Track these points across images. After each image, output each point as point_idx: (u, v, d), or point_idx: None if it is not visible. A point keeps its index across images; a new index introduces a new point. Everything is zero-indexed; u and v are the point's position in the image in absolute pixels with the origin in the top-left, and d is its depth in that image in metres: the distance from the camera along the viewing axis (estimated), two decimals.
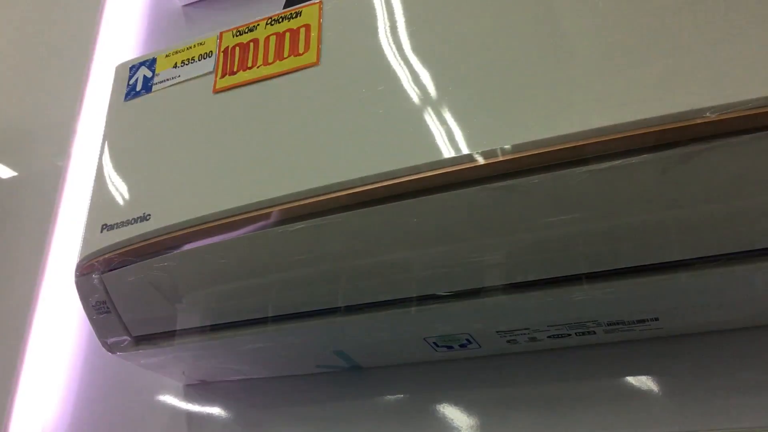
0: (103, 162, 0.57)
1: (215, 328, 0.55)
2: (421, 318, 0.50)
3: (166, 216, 0.52)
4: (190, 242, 0.51)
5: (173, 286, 0.53)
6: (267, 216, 0.49)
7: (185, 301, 0.54)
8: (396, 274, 0.48)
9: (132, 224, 0.53)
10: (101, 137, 0.59)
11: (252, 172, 0.50)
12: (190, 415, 0.64)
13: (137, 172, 0.56)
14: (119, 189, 0.56)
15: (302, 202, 0.48)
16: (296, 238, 0.49)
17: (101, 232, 0.54)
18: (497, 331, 0.51)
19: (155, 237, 0.52)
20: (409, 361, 0.58)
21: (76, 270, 0.55)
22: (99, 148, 0.59)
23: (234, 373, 0.63)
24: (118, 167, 0.57)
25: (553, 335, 0.51)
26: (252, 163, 0.51)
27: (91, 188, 0.57)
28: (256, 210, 0.49)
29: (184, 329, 0.56)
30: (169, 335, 0.56)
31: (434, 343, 0.54)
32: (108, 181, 0.56)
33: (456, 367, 0.56)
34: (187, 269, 0.52)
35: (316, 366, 0.60)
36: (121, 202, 0.55)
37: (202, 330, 0.55)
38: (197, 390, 0.65)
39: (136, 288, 0.54)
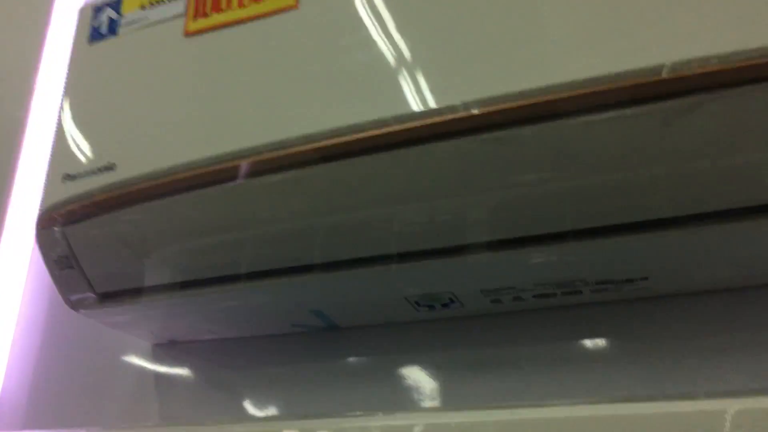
0: (65, 109, 0.54)
1: (185, 285, 0.52)
2: (401, 276, 0.48)
3: (132, 166, 0.49)
4: (158, 194, 0.48)
5: (140, 241, 0.50)
6: (239, 168, 0.46)
7: (153, 257, 0.51)
8: (374, 230, 0.46)
9: (96, 174, 0.50)
10: (63, 83, 0.55)
11: (224, 121, 0.47)
12: (158, 376, 0.62)
13: (102, 120, 0.52)
14: (82, 137, 0.52)
15: (276, 153, 0.45)
16: (270, 192, 0.46)
17: (63, 182, 0.51)
18: (481, 290, 0.49)
19: (121, 188, 0.49)
20: (389, 320, 0.56)
21: (37, 223, 0.51)
22: (61, 95, 0.55)
23: (205, 333, 0.60)
24: (82, 114, 0.53)
25: (539, 295, 0.49)
26: (224, 112, 0.48)
27: (53, 136, 0.54)
28: (228, 161, 0.46)
29: (152, 286, 0.53)
30: (136, 292, 0.53)
31: (416, 302, 0.52)
32: (70, 128, 0.53)
33: (438, 328, 0.54)
34: (155, 223, 0.49)
35: (291, 325, 0.58)
36: (84, 151, 0.51)
37: (171, 287, 0.53)
38: (166, 350, 0.63)
39: (100, 242, 0.51)
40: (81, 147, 0.52)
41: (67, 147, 0.52)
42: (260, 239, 0.48)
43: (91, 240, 0.51)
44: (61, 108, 0.55)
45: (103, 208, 0.49)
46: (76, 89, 0.55)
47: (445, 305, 0.52)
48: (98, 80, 0.54)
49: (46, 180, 0.52)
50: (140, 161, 0.48)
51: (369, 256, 0.47)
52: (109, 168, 0.49)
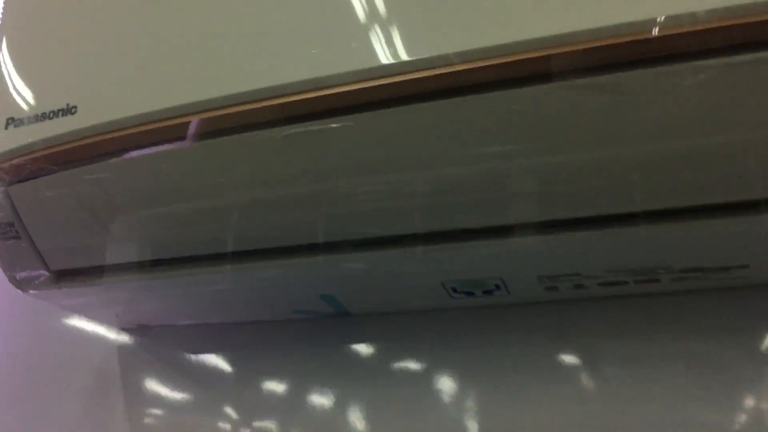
0: (4, 32, 0.42)
1: (160, 263, 0.42)
2: (442, 259, 0.39)
3: (101, 109, 0.38)
4: (132, 146, 0.37)
5: (106, 206, 0.39)
6: (236, 117, 0.35)
7: (121, 227, 0.40)
8: (410, 200, 0.36)
9: (51, 119, 0.38)
10: None
11: (217, 59, 0.36)
12: (126, 367, 0.51)
13: (56, 47, 0.41)
14: (30, 70, 0.41)
15: (281, 100, 0.34)
16: (273, 148, 0.35)
17: (5, 128, 0.39)
18: (539, 276, 0.40)
19: (86, 137, 0.37)
20: (413, 308, 0.46)
21: None
22: None
23: (183, 318, 0.50)
24: (27, 39, 0.42)
25: (606, 282, 0.40)
26: (219, 47, 0.37)
27: None
28: (222, 108, 0.35)
29: (119, 264, 0.42)
30: (100, 270, 0.42)
31: (452, 288, 0.42)
32: (12, 58, 0.41)
33: (472, 316, 0.45)
34: (125, 182, 0.38)
35: (293, 311, 0.48)
36: (33, 88, 0.40)
37: (143, 265, 0.42)
38: (135, 335, 0.52)
39: (56, 206, 0.40)
40: (28, 83, 0.40)
41: (8, 83, 0.41)
42: (258, 209, 0.38)
43: (44, 203, 0.40)
44: None
45: (61, 163, 0.38)
46: (16, 5, 0.43)
47: (487, 291, 0.42)
48: None
49: None
50: (111, 103, 0.37)
51: (401, 234, 0.37)
52: (69, 111, 0.38)
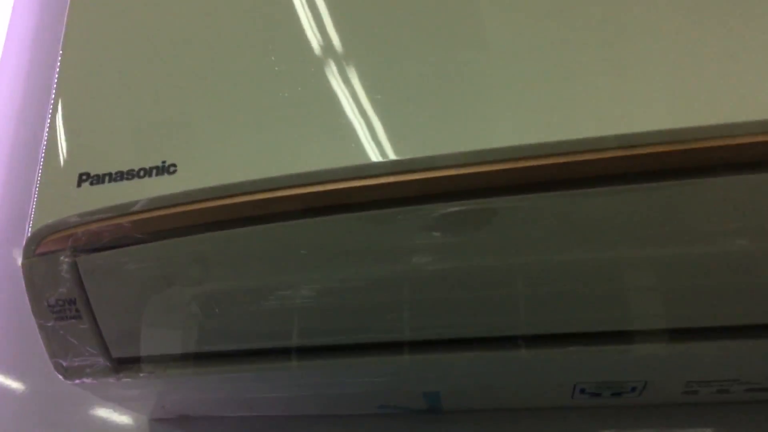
0: (72, 65, 0.36)
1: (246, 354, 0.35)
2: (589, 361, 0.34)
3: (207, 170, 0.31)
4: (248, 217, 0.31)
5: (202, 285, 0.33)
6: (393, 187, 0.30)
7: (212, 310, 0.33)
8: (587, 295, 0.31)
9: (142, 178, 0.32)
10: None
11: (347, 129, 0.31)
12: None
13: (154, 95, 0.34)
14: (109, 114, 0.34)
15: (422, 175, 0.29)
16: (417, 225, 0.30)
17: (78, 185, 0.33)
18: (688, 381, 0.36)
19: (187, 203, 0.31)
20: (516, 406, 0.41)
21: (30, 244, 0.33)
22: (63, 39, 0.37)
23: (236, 409, 0.43)
24: (115, 83, 0.35)
25: (754, 388, 0.36)
26: (350, 116, 0.31)
27: (52, 108, 0.35)
28: (376, 176, 0.30)
29: (201, 353, 0.35)
30: (168, 360, 0.35)
31: (582, 389, 0.37)
32: (92, 103, 0.35)
33: (591, 415, 0.40)
34: (232, 259, 0.32)
35: (377, 406, 0.41)
36: (119, 139, 0.33)
37: (223, 356, 0.35)
38: (172, 427, 0.44)
39: (134, 283, 0.33)
40: (111, 133, 0.34)
41: (83, 131, 0.34)
42: (380, 294, 0.32)
43: (120, 278, 0.33)
44: (65, 60, 0.36)
45: (154, 232, 0.31)
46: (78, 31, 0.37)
47: (616, 393, 0.38)
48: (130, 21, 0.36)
49: (42, 178, 0.34)
50: (221, 165, 0.31)
51: (560, 332, 0.32)
52: (166, 170, 0.32)
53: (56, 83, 0.36)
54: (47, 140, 0.34)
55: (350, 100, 0.32)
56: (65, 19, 0.38)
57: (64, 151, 0.34)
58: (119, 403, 0.41)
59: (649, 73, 0.29)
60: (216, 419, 0.44)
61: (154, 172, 0.32)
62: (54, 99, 0.36)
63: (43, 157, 0.34)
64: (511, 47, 0.31)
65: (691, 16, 0.30)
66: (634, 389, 0.37)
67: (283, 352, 0.35)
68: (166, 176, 0.32)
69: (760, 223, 0.28)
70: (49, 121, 0.35)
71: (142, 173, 0.32)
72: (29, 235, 0.33)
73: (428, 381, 0.37)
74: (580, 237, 0.30)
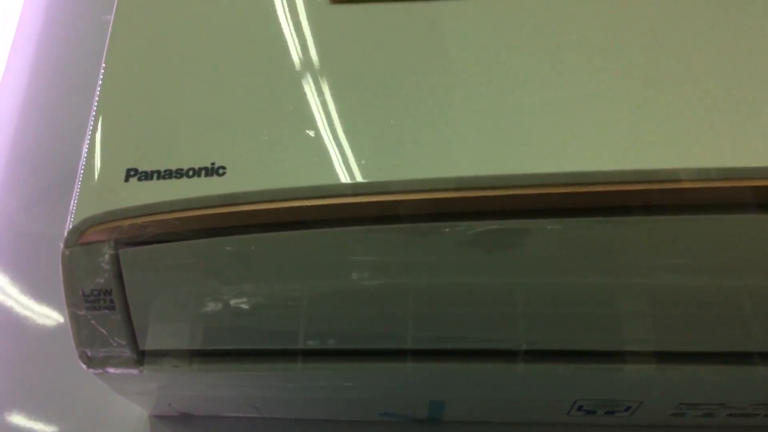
0: (119, 59, 0.37)
1: (270, 354, 0.37)
2: (587, 378, 0.36)
3: (255, 174, 0.33)
4: (292, 223, 0.33)
5: (242, 283, 0.34)
6: (428, 204, 0.32)
7: (249, 308, 0.35)
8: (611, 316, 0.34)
9: (190, 177, 0.33)
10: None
11: (410, 139, 0.33)
12: None
13: (200, 91, 0.36)
14: (159, 112, 0.36)
15: (483, 193, 0.32)
16: (461, 241, 0.32)
17: (125, 180, 0.34)
18: (680, 403, 0.38)
19: (235, 204, 0.33)
20: (514, 419, 0.43)
21: (73, 234, 0.33)
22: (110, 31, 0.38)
23: (244, 410, 0.44)
24: (167, 81, 0.37)
25: (738, 414, 0.39)
26: (416, 127, 0.34)
27: (97, 102, 0.37)
28: (426, 191, 0.32)
29: (228, 351, 0.36)
30: (197, 356, 0.37)
31: (579, 406, 0.39)
32: (135, 94, 0.36)
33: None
34: (276, 260, 0.34)
35: (379, 414, 0.43)
36: (164, 136, 0.35)
37: (252, 355, 0.37)
38: (173, 424, 0.45)
39: (174, 278, 0.34)
40: (162, 132, 0.35)
41: (133, 128, 0.35)
42: (416, 303, 0.34)
43: (160, 273, 0.34)
44: (111, 52, 0.38)
45: (200, 229, 0.33)
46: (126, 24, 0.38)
47: (610, 412, 0.40)
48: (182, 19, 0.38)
49: (86, 172, 0.35)
50: (272, 169, 0.33)
51: (577, 349, 0.35)
52: (215, 171, 0.33)
53: (102, 76, 0.37)
54: (91, 135, 0.35)
55: (413, 112, 0.34)
56: (113, 9, 0.39)
57: (112, 144, 0.35)
58: (129, 396, 0.42)
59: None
60: (216, 419, 0.45)
61: (203, 172, 0.33)
62: (100, 93, 0.37)
63: (87, 152, 0.35)
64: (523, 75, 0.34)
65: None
66: (628, 408, 0.39)
67: (309, 354, 0.36)
68: (215, 177, 0.33)
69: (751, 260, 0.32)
70: (93, 115, 0.36)
71: (191, 173, 0.33)
72: (72, 225, 0.34)
73: (433, 389, 0.39)
74: (584, 262, 0.33)
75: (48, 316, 0.50)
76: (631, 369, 0.34)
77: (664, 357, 0.34)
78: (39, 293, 0.51)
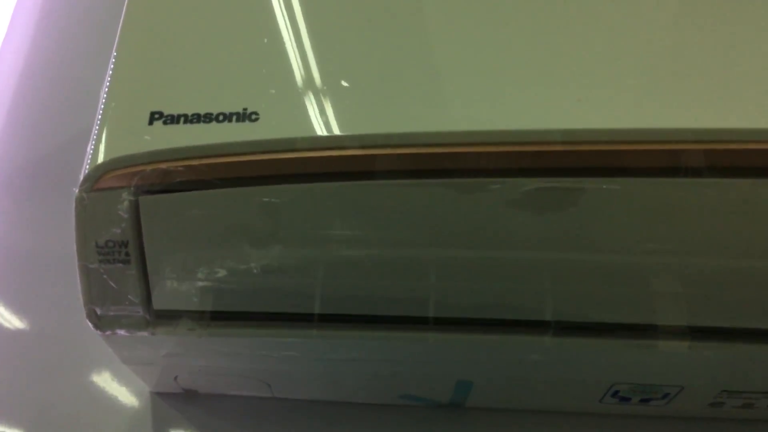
0: (165, 14, 0.35)
1: (289, 318, 0.34)
2: (622, 357, 0.34)
3: (290, 121, 0.31)
4: (325, 174, 0.31)
5: (269, 238, 0.32)
6: (461, 158, 0.30)
7: (273, 266, 0.32)
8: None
9: (220, 122, 0.31)
10: None
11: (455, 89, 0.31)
12: None
13: (232, 31, 0.34)
14: (188, 54, 0.33)
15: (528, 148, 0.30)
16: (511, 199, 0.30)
17: (150, 123, 0.31)
18: (723, 390, 0.36)
19: (268, 152, 0.30)
20: (542, 408, 0.41)
21: (90, 178, 0.31)
22: None
23: (254, 388, 0.41)
24: (184, 11, 0.35)
25: None
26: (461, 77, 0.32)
27: (118, 41, 0.34)
28: (471, 144, 0.30)
29: (247, 313, 0.34)
30: (214, 319, 0.34)
31: (615, 392, 0.37)
32: (161, 34, 0.34)
33: (613, 423, 0.40)
34: (308, 213, 0.31)
35: (398, 396, 0.40)
36: (194, 79, 0.33)
37: (271, 319, 0.34)
38: (176, 403, 0.42)
39: (197, 229, 0.32)
40: (191, 73, 0.33)
41: (160, 70, 0.33)
42: (455, 267, 0.32)
43: (182, 223, 0.32)
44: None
45: (229, 177, 0.31)
46: None
47: (645, 400, 0.38)
48: None
49: (107, 113, 0.32)
50: (305, 118, 0.31)
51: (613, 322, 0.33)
52: (248, 117, 0.31)
53: (124, 16, 0.35)
54: (113, 74, 0.33)
55: (443, 63, 0.32)
56: None
57: (135, 87, 0.33)
58: (134, 367, 0.39)
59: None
60: (222, 398, 0.42)
61: (235, 117, 0.31)
62: (121, 32, 0.35)
63: (107, 92, 0.33)
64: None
65: None
66: (666, 396, 0.37)
67: (327, 320, 0.34)
68: (247, 123, 0.31)
69: None
70: (115, 55, 0.34)
71: (221, 117, 0.31)
72: (89, 169, 0.31)
73: (458, 366, 0.36)
74: (628, 227, 0.31)
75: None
76: (666, 345, 0.32)
77: (699, 333, 0.32)
78: None
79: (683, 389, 0.36)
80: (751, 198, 0.29)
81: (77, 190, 0.31)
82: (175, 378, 0.40)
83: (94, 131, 0.32)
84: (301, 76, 0.32)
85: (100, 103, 0.33)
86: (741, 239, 0.30)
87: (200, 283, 0.33)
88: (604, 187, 0.30)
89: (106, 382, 0.43)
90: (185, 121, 0.31)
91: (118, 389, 0.42)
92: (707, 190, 0.29)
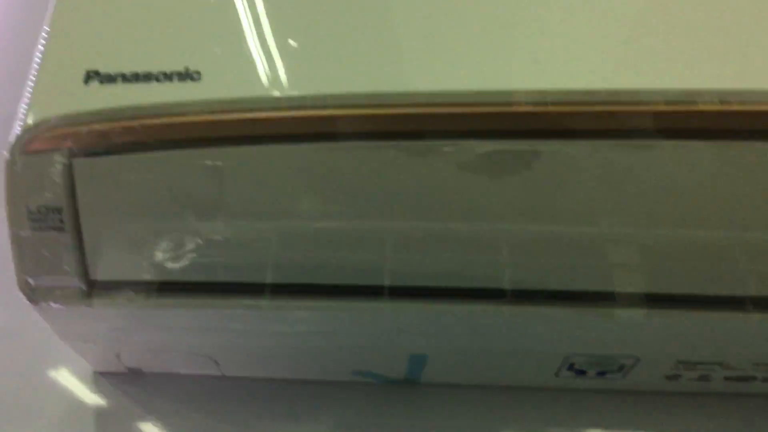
0: None
1: (232, 289, 0.33)
2: (578, 327, 0.33)
3: (234, 81, 0.29)
4: (278, 135, 0.29)
5: (212, 204, 0.30)
6: (417, 119, 0.29)
7: (217, 234, 0.31)
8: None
9: (160, 82, 0.29)
10: None
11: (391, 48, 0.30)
12: (110, 418, 0.39)
13: None
14: (126, 10, 0.32)
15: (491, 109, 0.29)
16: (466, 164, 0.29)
17: (85, 83, 0.30)
18: (678, 361, 0.36)
19: (211, 112, 0.29)
20: (494, 382, 0.40)
21: (20, 140, 0.29)
22: None
23: (201, 366, 0.40)
24: None
25: (735, 377, 0.37)
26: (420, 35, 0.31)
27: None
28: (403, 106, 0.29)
29: (187, 283, 0.33)
30: (154, 290, 0.32)
31: (570, 364, 0.37)
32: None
33: (570, 399, 0.39)
34: (250, 180, 0.30)
35: (352, 372, 0.39)
36: (131, 36, 0.31)
37: (212, 290, 0.33)
38: (119, 383, 0.41)
39: (135, 195, 0.30)
40: (128, 30, 0.31)
41: (95, 25, 0.31)
42: (417, 236, 0.31)
43: (118, 188, 0.30)
44: None
45: (170, 139, 0.29)
46: None
47: (601, 373, 0.38)
48: None
49: (41, 72, 0.31)
50: (250, 78, 0.29)
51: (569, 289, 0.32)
52: (189, 76, 0.30)
53: None
54: (48, 31, 0.31)
55: (396, 25, 0.31)
56: None
57: (70, 44, 0.31)
58: (74, 344, 0.37)
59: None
60: (169, 378, 0.41)
61: (176, 77, 0.29)
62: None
63: (42, 50, 0.31)
64: None
65: None
66: (622, 368, 0.37)
67: (277, 290, 0.33)
68: (189, 83, 0.29)
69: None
70: (49, 14, 0.32)
71: (161, 77, 0.29)
72: (20, 130, 0.29)
73: (413, 338, 0.35)
74: (584, 190, 0.30)
75: None
76: (622, 313, 0.32)
77: (655, 301, 0.32)
78: None
79: (639, 360, 0.36)
80: (708, 162, 0.29)
81: (6, 153, 0.30)
82: (118, 356, 0.38)
83: (27, 91, 0.30)
84: (248, 35, 0.31)
85: (34, 61, 0.31)
86: (697, 205, 0.30)
87: (140, 252, 0.32)
88: (560, 149, 0.29)
89: (45, 361, 0.41)
90: (123, 80, 0.30)
91: (58, 369, 0.41)
92: (663, 153, 0.29)
